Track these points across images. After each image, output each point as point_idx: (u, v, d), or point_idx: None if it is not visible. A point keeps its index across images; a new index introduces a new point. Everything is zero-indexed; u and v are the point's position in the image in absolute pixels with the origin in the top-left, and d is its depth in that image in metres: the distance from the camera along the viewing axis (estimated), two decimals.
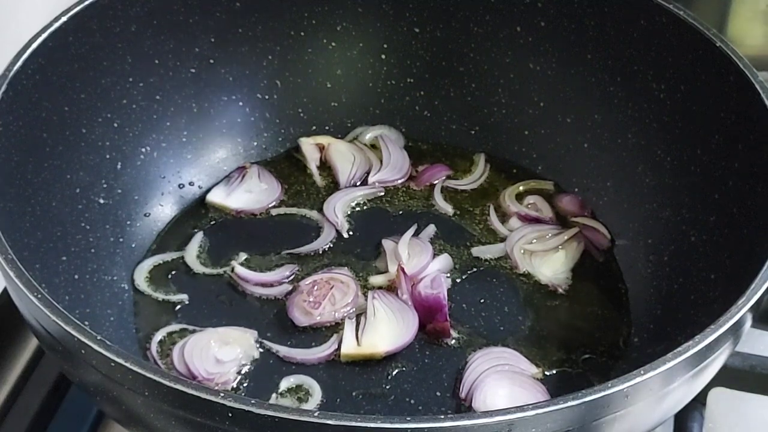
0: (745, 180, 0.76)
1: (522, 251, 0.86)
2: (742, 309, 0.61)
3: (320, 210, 0.90)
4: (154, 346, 0.78)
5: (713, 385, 0.77)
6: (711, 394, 0.79)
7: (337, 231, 0.88)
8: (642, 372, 0.56)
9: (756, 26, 0.99)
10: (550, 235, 0.88)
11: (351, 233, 0.88)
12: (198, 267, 0.85)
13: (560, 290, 0.84)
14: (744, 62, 0.76)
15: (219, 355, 0.76)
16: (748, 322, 0.64)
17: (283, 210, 0.90)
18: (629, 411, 0.58)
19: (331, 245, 0.87)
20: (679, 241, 0.81)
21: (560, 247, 0.87)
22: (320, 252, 0.86)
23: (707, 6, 1.00)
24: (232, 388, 0.75)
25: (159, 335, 0.79)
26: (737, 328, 0.62)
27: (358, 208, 0.91)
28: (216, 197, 0.90)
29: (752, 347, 0.80)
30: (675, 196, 0.83)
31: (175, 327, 0.79)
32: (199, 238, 0.87)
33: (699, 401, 0.79)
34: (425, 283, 0.81)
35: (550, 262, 0.86)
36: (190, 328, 0.79)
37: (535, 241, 0.87)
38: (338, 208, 0.89)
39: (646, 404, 0.58)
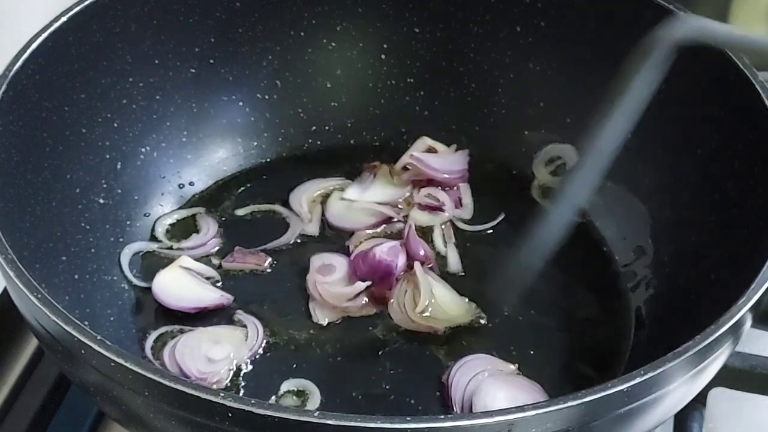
0: (745, 180, 0.76)
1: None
2: (742, 309, 0.61)
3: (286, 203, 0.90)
4: (148, 347, 0.78)
5: (713, 385, 0.77)
6: (711, 394, 0.79)
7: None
8: (642, 372, 0.56)
9: (756, 26, 0.99)
10: None
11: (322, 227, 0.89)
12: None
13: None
14: (744, 62, 0.76)
15: (210, 354, 0.76)
16: (748, 322, 0.64)
17: (250, 209, 0.90)
18: (629, 411, 0.58)
19: (299, 240, 0.87)
20: (679, 241, 0.81)
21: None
22: (291, 245, 0.87)
23: (707, 6, 0.99)
24: (226, 387, 0.75)
25: (153, 336, 0.79)
26: (737, 328, 0.62)
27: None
28: None
29: (752, 347, 0.80)
30: (675, 196, 0.83)
31: (167, 328, 0.79)
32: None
33: (699, 401, 0.79)
34: (383, 249, 0.82)
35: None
36: (185, 328, 0.79)
37: None
38: (304, 200, 0.90)
39: (646, 404, 0.58)
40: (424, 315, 0.80)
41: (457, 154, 0.92)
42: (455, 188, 0.91)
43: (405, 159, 0.91)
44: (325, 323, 0.80)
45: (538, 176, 0.92)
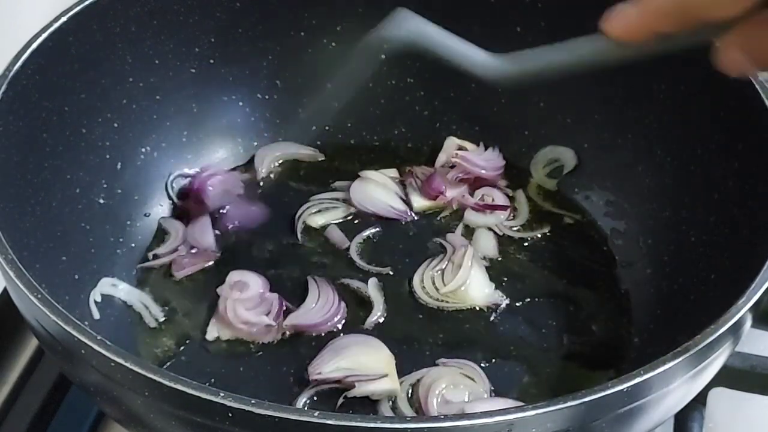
0: (745, 180, 0.76)
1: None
2: (742, 309, 0.61)
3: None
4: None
5: (713, 385, 0.77)
6: (711, 394, 0.79)
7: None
8: (642, 372, 0.56)
9: None
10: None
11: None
12: None
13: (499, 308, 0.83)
14: None
15: None
16: (748, 322, 0.64)
17: None
18: (629, 411, 0.58)
19: None
20: (679, 241, 0.81)
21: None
22: None
23: None
24: None
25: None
26: (737, 328, 0.62)
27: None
28: None
29: (752, 347, 0.80)
30: (675, 196, 0.83)
31: None
32: None
33: (699, 401, 0.79)
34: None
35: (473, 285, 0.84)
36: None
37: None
38: (267, 159, 0.92)
39: (646, 404, 0.58)
40: (446, 293, 0.82)
41: (490, 151, 0.93)
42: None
43: (443, 159, 0.92)
44: (212, 338, 0.79)
45: (535, 176, 0.92)
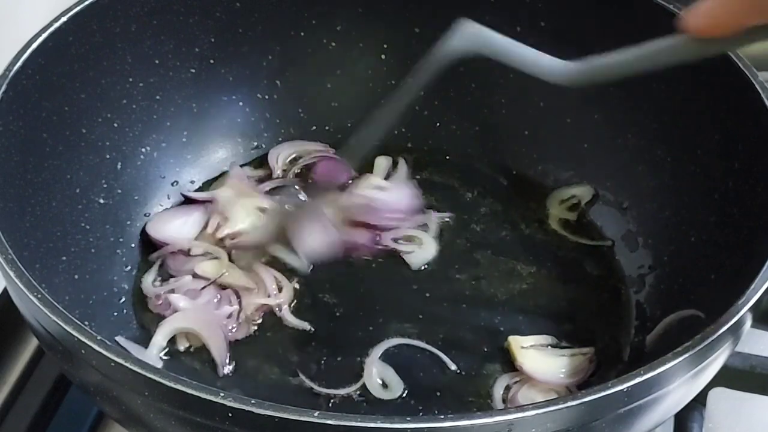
0: (745, 180, 0.76)
1: None
2: (742, 309, 0.61)
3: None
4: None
5: (713, 385, 0.77)
6: (711, 394, 0.79)
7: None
8: (642, 372, 0.56)
9: None
10: None
11: None
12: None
13: None
14: (744, 62, 0.76)
15: None
16: (748, 322, 0.64)
17: None
18: (629, 411, 0.58)
19: None
20: (679, 241, 0.81)
21: None
22: None
23: None
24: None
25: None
26: (737, 328, 0.62)
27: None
28: None
29: (752, 347, 0.80)
30: (675, 196, 0.83)
31: None
32: None
33: (699, 401, 0.79)
34: None
35: None
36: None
37: None
38: (281, 158, 0.92)
39: (646, 404, 0.58)
40: None
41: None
42: None
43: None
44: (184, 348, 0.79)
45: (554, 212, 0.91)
